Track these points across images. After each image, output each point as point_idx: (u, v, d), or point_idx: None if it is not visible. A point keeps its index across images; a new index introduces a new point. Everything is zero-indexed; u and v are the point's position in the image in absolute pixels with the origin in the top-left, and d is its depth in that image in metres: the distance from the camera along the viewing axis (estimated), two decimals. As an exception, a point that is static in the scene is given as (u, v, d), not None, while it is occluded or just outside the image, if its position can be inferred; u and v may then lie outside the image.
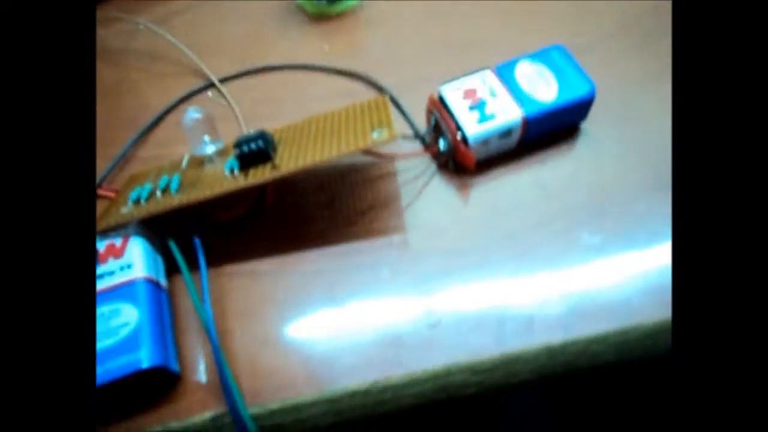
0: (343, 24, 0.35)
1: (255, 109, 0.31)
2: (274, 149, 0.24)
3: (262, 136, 0.24)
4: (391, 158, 0.28)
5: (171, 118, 0.32)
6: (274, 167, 0.23)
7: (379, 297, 0.24)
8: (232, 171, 0.24)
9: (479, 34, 0.33)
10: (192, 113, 0.25)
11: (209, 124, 0.26)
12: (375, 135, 0.23)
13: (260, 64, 0.33)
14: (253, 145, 0.23)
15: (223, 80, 0.33)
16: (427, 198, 0.27)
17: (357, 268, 0.25)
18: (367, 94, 0.31)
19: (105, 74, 0.35)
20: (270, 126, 0.30)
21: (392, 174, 0.28)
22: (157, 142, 0.31)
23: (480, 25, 0.33)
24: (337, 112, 0.27)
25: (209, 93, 0.33)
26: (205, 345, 0.24)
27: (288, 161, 0.23)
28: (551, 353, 0.22)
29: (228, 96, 0.32)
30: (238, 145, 0.24)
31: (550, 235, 0.25)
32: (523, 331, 0.22)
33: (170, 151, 0.30)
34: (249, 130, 0.30)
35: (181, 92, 0.33)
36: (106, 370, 0.21)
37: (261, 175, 0.23)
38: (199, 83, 0.33)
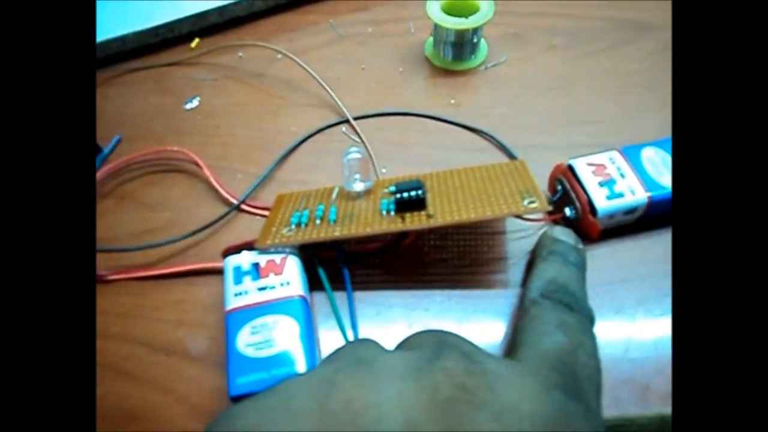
0: (468, 81, 0.38)
1: (383, 150, 0.34)
2: (425, 197, 0.27)
3: (421, 185, 0.26)
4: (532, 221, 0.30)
5: (306, 146, 0.35)
6: (429, 216, 0.26)
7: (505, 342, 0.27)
8: (388, 212, 0.27)
9: (594, 112, 0.35)
10: (353, 152, 0.28)
11: (364, 165, 0.28)
12: (526, 203, 0.25)
13: (389, 106, 0.36)
14: (413, 194, 0.26)
15: (356, 118, 0.35)
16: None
17: (483, 312, 0.27)
18: (491, 152, 0.34)
19: (243, 94, 0.38)
20: (398, 168, 0.32)
21: (504, 232, 0.30)
22: (294, 167, 0.34)
23: (596, 103, 0.36)
24: (478, 168, 0.29)
25: (343, 128, 0.35)
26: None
27: (442, 213, 0.26)
28: (665, 422, 0.24)
29: (362, 134, 0.35)
30: (399, 190, 0.26)
31: (656, 312, 0.27)
32: (638, 399, 0.25)
33: (306, 177, 0.33)
34: (382, 169, 0.33)
35: (317, 123, 0.35)
36: (266, 377, 0.23)
37: (418, 221, 0.25)
38: (333, 117, 0.36)
